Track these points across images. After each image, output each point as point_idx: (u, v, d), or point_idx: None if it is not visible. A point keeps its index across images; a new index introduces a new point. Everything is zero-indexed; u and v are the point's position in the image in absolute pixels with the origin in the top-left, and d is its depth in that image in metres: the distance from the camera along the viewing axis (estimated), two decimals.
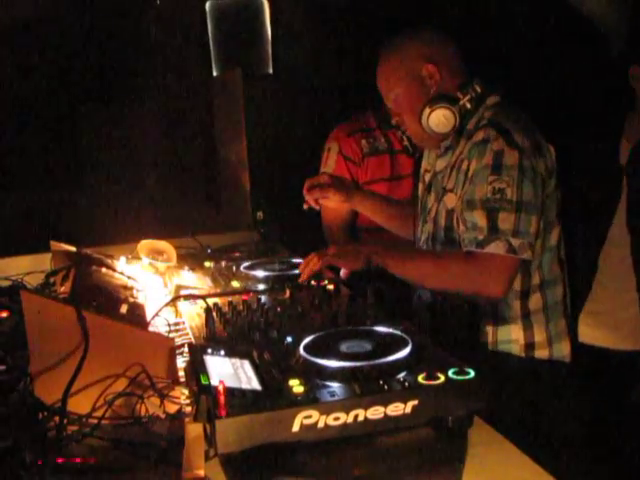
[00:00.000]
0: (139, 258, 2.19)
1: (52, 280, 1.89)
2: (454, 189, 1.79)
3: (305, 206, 2.13)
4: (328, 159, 2.63)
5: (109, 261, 2.03)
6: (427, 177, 2.00)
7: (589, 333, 2.19)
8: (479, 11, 3.07)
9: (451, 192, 1.80)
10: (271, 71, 4.07)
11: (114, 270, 1.92)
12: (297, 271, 1.89)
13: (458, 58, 1.85)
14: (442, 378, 1.15)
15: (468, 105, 1.80)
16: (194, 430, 1.07)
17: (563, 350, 1.82)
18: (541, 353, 1.79)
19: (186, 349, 1.45)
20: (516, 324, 1.78)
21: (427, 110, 1.78)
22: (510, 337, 1.78)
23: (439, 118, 1.78)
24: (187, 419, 1.23)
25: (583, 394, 1.95)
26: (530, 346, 1.78)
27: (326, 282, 1.84)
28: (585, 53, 2.38)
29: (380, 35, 1.90)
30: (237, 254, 2.32)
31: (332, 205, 2.18)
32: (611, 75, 2.21)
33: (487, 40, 2.77)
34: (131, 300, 1.67)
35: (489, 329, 1.79)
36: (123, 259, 2.14)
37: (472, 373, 1.17)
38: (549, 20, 2.92)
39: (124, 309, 1.56)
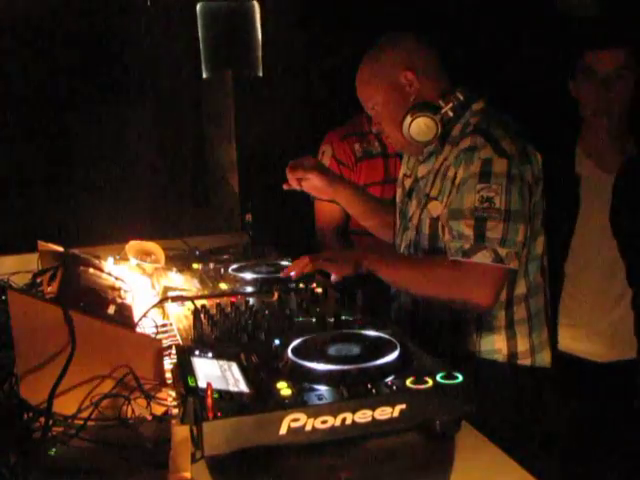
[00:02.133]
0: (127, 259, 2.18)
1: (39, 280, 1.87)
2: (439, 196, 1.77)
3: (285, 186, 2.07)
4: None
5: (97, 262, 2.01)
6: (407, 183, 1.97)
7: (568, 344, 2.18)
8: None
9: (435, 200, 1.78)
10: (261, 74, 4.07)
11: (102, 271, 1.91)
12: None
13: (439, 65, 1.84)
14: (430, 382, 1.15)
15: (450, 113, 1.78)
16: (181, 432, 1.06)
17: (545, 358, 1.83)
18: (524, 362, 1.79)
19: (173, 351, 1.44)
20: (500, 334, 1.77)
21: (408, 119, 1.77)
22: (493, 347, 1.78)
23: (420, 127, 1.76)
24: (174, 421, 1.22)
25: (566, 399, 1.96)
26: (513, 355, 1.78)
27: (314, 285, 1.83)
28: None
29: (371, 38, 1.90)
30: (225, 256, 2.31)
31: (312, 189, 2.07)
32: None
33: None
34: (119, 301, 1.67)
35: (472, 339, 1.78)
36: (111, 260, 2.13)
37: (460, 378, 1.17)
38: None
39: (111, 310, 1.55)
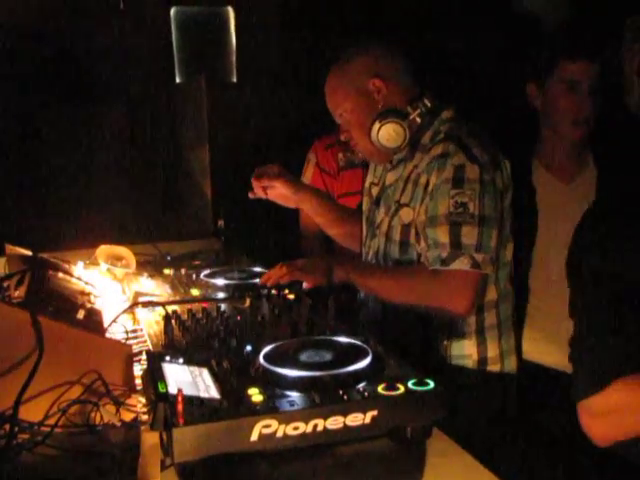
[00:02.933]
0: (97, 264, 2.15)
1: (6, 284, 1.84)
2: (410, 203, 1.78)
3: (251, 195, 2.07)
4: (306, 170, 2.74)
5: (66, 266, 1.99)
6: (374, 191, 1.98)
7: (533, 354, 2.18)
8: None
9: (407, 206, 1.79)
10: (235, 79, 4.07)
11: (71, 275, 1.89)
12: (258, 280, 1.89)
13: (407, 72, 1.86)
14: (402, 389, 1.15)
15: (418, 119, 1.80)
16: (150, 439, 1.05)
17: (512, 364, 1.85)
18: (493, 367, 1.81)
19: (144, 356, 1.43)
20: (470, 339, 1.79)
21: (377, 125, 1.78)
22: (464, 352, 1.79)
23: (389, 133, 1.77)
24: (143, 427, 1.20)
25: (533, 406, 1.98)
26: (483, 361, 1.79)
27: (287, 291, 1.83)
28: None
29: (346, 44, 1.90)
30: (197, 262, 2.30)
31: (278, 197, 2.08)
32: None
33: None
34: (88, 306, 1.64)
35: (443, 345, 1.79)
36: (81, 264, 2.10)
37: (431, 384, 1.17)
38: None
39: (81, 315, 1.52)
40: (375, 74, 1.81)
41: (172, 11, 4.01)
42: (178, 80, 4.06)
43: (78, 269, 2.04)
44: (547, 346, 2.15)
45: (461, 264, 1.64)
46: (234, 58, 4.09)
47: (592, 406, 1.20)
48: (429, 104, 1.81)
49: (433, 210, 1.70)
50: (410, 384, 1.17)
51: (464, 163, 1.67)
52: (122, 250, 2.19)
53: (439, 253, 1.66)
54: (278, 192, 2.05)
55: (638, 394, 1.18)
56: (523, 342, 2.11)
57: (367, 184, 2.06)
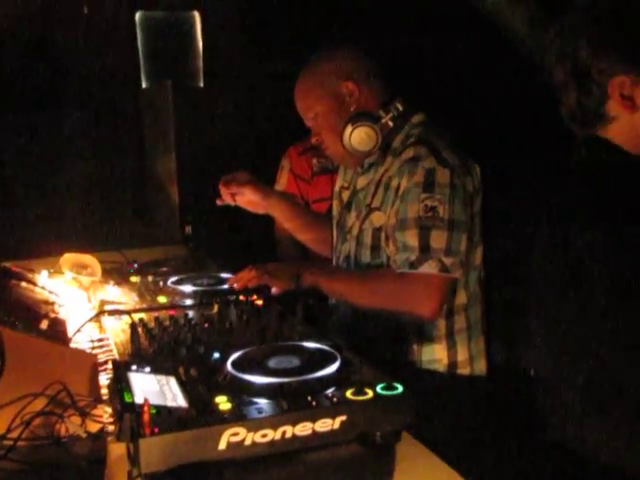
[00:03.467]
0: (62, 272, 2.12)
1: None
2: (382, 207, 1.78)
3: (219, 202, 2.06)
4: (281, 177, 2.75)
5: (29, 275, 1.95)
6: (345, 195, 1.98)
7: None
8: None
9: (378, 210, 1.79)
10: (202, 84, 4.05)
11: (35, 284, 1.86)
12: (226, 286, 1.87)
13: (378, 76, 1.85)
14: (370, 394, 1.15)
15: (390, 123, 1.80)
16: (117, 450, 1.04)
17: (482, 367, 1.85)
18: (463, 371, 1.82)
19: (110, 366, 1.41)
20: (440, 344, 1.79)
21: (349, 128, 1.77)
22: (434, 357, 1.79)
23: (361, 136, 1.77)
24: (110, 438, 1.19)
25: (502, 408, 1.99)
26: (453, 365, 1.80)
27: (255, 297, 1.82)
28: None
29: (314, 48, 1.90)
30: (164, 269, 2.27)
31: (247, 204, 2.07)
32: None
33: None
34: (52, 315, 1.62)
35: (413, 349, 1.79)
36: (45, 273, 2.06)
37: (400, 389, 1.17)
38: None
39: (44, 325, 1.50)
40: (347, 77, 1.81)
41: (137, 16, 3.97)
42: (144, 85, 4.03)
43: (42, 278, 2.01)
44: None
45: (429, 267, 1.64)
46: (201, 63, 4.07)
47: None
48: (401, 107, 1.81)
49: (403, 213, 1.70)
50: (379, 389, 1.17)
51: (435, 167, 1.67)
52: (87, 258, 2.16)
53: (408, 256, 1.67)
54: (247, 199, 2.04)
55: None
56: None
57: (337, 188, 2.06)
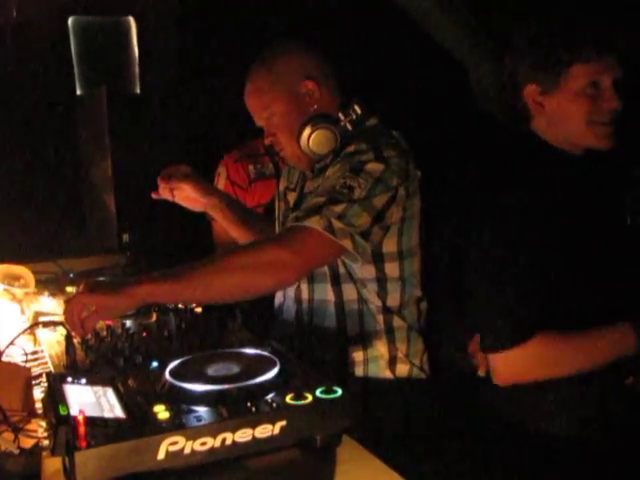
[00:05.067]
0: None
1: None
2: None
3: (154, 195, 1.97)
4: (217, 184, 2.69)
5: None
6: (291, 197, 1.92)
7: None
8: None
9: None
10: (138, 91, 3.99)
11: None
12: None
13: (334, 76, 1.79)
14: (310, 398, 1.15)
15: (349, 126, 1.74)
16: (52, 465, 1.02)
17: (422, 365, 1.84)
18: (402, 368, 1.80)
19: (44, 379, 1.37)
20: (380, 339, 1.77)
21: (307, 130, 1.72)
22: (376, 353, 1.78)
23: (320, 139, 1.71)
24: (44, 453, 1.16)
25: (444, 406, 2.02)
26: (393, 360, 1.78)
27: (193, 305, 1.80)
28: None
29: (254, 53, 1.84)
30: (102, 278, 2.23)
31: (185, 199, 1.96)
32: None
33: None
34: None
35: (357, 347, 1.78)
36: None
37: (340, 391, 1.18)
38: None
39: None
40: (307, 76, 1.73)
41: (70, 20, 3.89)
42: (79, 92, 3.95)
43: None
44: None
45: (314, 222, 1.49)
46: (137, 69, 4.02)
47: (511, 356, 1.45)
48: (359, 111, 1.76)
49: (321, 187, 1.63)
50: (318, 392, 1.17)
51: (370, 159, 1.61)
52: (19, 269, 2.11)
53: (297, 213, 1.54)
54: (186, 195, 1.96)
55: (552, 349, 1.45)
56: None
57: (281, 188, 2.00)
